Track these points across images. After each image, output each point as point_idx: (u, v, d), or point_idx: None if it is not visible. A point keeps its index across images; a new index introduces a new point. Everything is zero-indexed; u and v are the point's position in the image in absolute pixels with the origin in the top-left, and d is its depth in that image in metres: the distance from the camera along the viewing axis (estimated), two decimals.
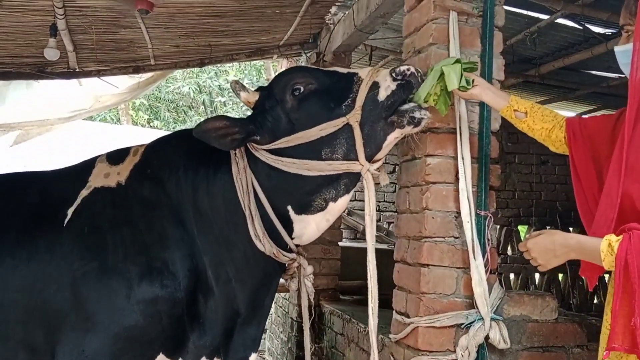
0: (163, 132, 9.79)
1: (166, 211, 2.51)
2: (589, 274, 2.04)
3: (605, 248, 1.76)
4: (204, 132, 2.39)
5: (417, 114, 2.36)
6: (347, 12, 4.43)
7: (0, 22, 4.07)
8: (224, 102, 13.52)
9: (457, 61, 2.38)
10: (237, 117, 2.59)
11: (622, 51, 1.99)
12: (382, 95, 2.37)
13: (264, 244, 2.48)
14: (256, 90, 2.59)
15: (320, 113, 2.41)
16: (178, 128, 13.07)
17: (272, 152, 2.44)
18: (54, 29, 4.06)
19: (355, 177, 2.47)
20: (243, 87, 2.54)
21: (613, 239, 1.76)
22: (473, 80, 2.40)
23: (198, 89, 13.57)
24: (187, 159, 2.58)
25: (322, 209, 2.50)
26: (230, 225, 2.51)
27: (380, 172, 2.48)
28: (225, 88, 13.36)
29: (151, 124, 13.59)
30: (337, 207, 2.51)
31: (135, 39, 4.65)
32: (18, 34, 4.33)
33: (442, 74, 2.37)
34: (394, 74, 2.39)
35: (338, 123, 2.36)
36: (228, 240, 2.51)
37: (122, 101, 6.88)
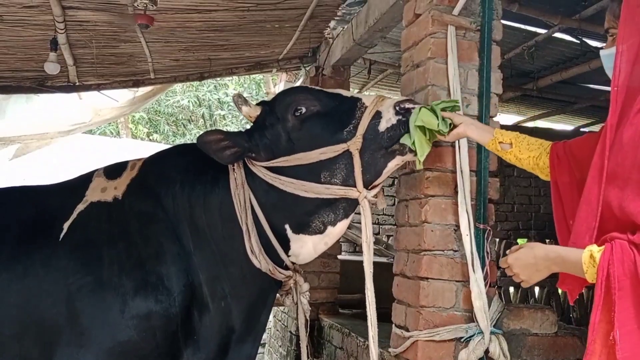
0: (162, 145, 9.82)
1: (162, 226, 2.50)
2: (569, 286, 1.96)
3: (587, 259, 1.69)
4: (204, 144, 2.41)
5: None
6: (346, 27, 4.45)
7: (1, 37, 4.09)
8: (224, 115, 13.55)
9: (433, 108, 2.35)
10: (236, 131, 2.59)
11: (607, 55, 1.96)
12: (382, 126, 2.37)
13: (260, 261, 2.47)
14: (258, 105, 2.59)
15: (322, 136, 2.40)
16: (177, 141, 13.09)
17: (270, 169, 2.44)
18: (54, 43, 4.08)
19: (354, 202, 2.46)
20: (245, 101, 2.53)
21: (595, 250, 1.69)
22: (451, 124, 2.37)
23: (197, 102, 13.61)
24: (184, 174, 2.58)
25: (321, 232, 2.49)
26: (227, 241, 2.50)
27: (378, 197, 2.48)
28: (225, 101, 13.39)
29: (151, 137, 13.61)
30: (336, 231, 2.50)
31: (135, 53, 4.67)
32: (19, 48, 4.35)
33: (421, 124, 2.34)
34: (397, 107, 2.37)
35: (338, 149, 2.36)
36: (224, 256, 2.50)
37: (122, 115, 6.91)
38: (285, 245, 2.53)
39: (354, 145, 2.34)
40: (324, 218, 2.46)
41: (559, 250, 1.82)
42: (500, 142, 2.35)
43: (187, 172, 2.58)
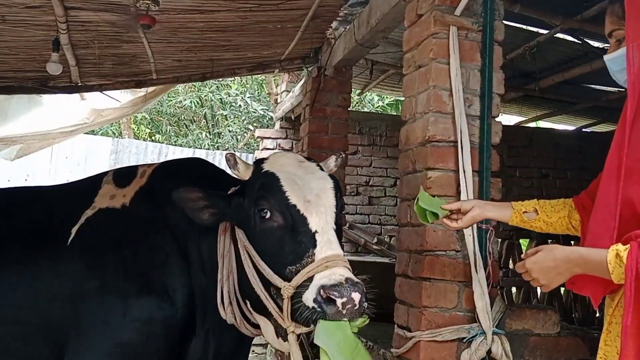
0: (164, 146, 9.82)
1: (169, 239, 2.50)
2: (590, 291, 1.83)
3: (612, 259, 1.60)
4: (181, 200, 2.31)
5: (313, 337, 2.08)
6: (347, 27, 4.46)
7: (3, 37, 4.09)
8: (226, 115, 13.55)
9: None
10: (217, 192, 2.40)
11: (614, 58, 1.92)
12: (304, 298, 2.08)
13: (226, 312, 2.43)
14: (253, 164, 2.44)
15: (272, 255, 2.22)
16: (180, 142, 13.09)
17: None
18: (56, 43, 4.09)
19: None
20: (235, 164, 2.33)
21: (621, 249, 1.60)
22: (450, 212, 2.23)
23: (200, 102, 13.60)
24: None
25: (277, 334, 2.36)
26: (213, 284, 2.45)
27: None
28: (227, 102, 13.39)
29: (153, 137, 13.61)
30: (286, 345, 2.31)
31: (137, 54, 4.67)
32: (21, 48, 4.36)
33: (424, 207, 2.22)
34: (321, 292, 2.02)
35: (276, 281, 2.17)
36: (210, 295, 2.46)
37: (124, 115, 6.90)
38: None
39: (285, 291, 2.13)
40: (276, 324, 2.33)
41: (581, 251, 1.73)
42: (524, 212, 2.24)
43: None
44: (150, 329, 2.37)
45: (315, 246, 2.14)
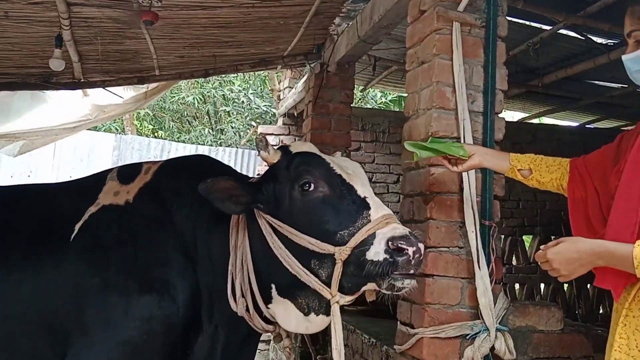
0: (167, 142, 9.82)
1: (172, 237, 2.50)
2: (611, 284, 1.84)
3: (638, 254, 1.64)
4: (210, 192, 2.29)
5: (398, 283, 2.14)
6: (350, 23, 4.45)
7: (6, 33, 4.09)
8: (229, 111, 13.55)
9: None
10: (246, 181, 2.44)
11: (632, 58, 1.94)
12: (369, 255, 2.14)
13: (238, 304, 2.42)
14: (279, 149, 2.46)
15: (317, 225, 2.25)
16: (182, 138, 13.10)
17: (269, 223, 2.34)
18: (59, 39, 4.09)
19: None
20: (265, 146, 2.37)
21: None
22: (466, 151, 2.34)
23: (202, 99, 13.61)
24: (196, 195, 2.41)
25: (304, 312, 2.38)
26: (224, 277, 2.45)
27: (366, 294, 2.33)
28: (230, 98, 13.39)
29: (155, 134, 13.63)
30: (316, 321, 2.37)
31: (140, 50, 4.67)
32: (24, 44, 4.36)
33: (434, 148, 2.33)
34: (390, 244, 2.11)
35: (325, 248, 2.19)
36: (219, 289, 2.46)
37: (127, 111, 6.90)
38: (268, 299, 2.42)
39: (339, 255, 2.17)
40: (308, 301, 2.36)
41: (607, 245, 1.75)
42: (519, 170, 2.32)
43: (199, 193, 2.44)
44: (150, 327, 2.37)
45: (369, 208, 2.22)
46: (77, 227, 2.54)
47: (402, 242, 2.09)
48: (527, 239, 8.31)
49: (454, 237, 2.67)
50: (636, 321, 1.80)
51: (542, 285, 7.96)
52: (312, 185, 2.27)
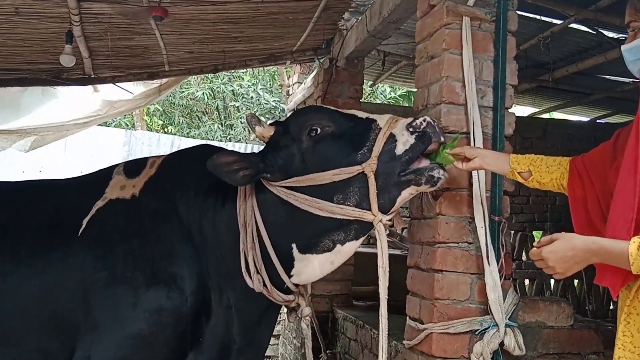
0: (176, 138, 9.86)
1: (176, 227, 2.52)
2: (610, 281, 1.84)
3: (634, 251, 1.64)
4: (216, 167, 2.35)
5: (435, 173, 2.28)
6: (359, 18, 4.43)
7: (17, 29, 4.12)
8: (238, 107, 13.57)
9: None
10: (247, 153, 2.53)
11: (630, 49, 1.95)
12: (400, 149, 2.29)
13: (254, 280, 2.45)
14: (271, 125, 2.54)
15: (336, 157, 2.34)
16: (192, 133, 13.14)
17: (285, 187, 2.40)
18: (69, 35, 4.10)
19: (367, 226, 2.38)
20: (259, 121, 2.47)
21: None
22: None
23: (212, 94, 13.63)
24: (199, 182, 2.56)
25: (329, 250, 2.44)
26: (233, 256, 2.48)
27: (395, 219, 2.43)
28: (239, 93, 13.41)
29: (165, 129, 13.67)
30: (345, 250, 2.44)
31: (149, 46, 4.68)
32: (34, 40, 4.38)
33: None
34: (410, 128, 2.30)
35: (353, 170, 2.29)
36: (230, 269, 2.49)
37: (137, 107, 6.93)
38: (289, 265, 2.48)
39: (369, 167, 2.27)
40: (334, 237, 2.41)
41: (602, 242, 1.74)
42: (519, 172, 2.33)
43: (202, 180, 2.55)
44: (160, 318, 2.39)
45: (374, 120, 2.38)
46: (85, 221, 2.56)
47: (416, 121, 2.31)
48: (537, 234, 8.28)
49: (464, 232, 2.66)
50: (639, 319, 1.78)
51: (552, 281, 7.93)
52: (318, 127, 2.38)
